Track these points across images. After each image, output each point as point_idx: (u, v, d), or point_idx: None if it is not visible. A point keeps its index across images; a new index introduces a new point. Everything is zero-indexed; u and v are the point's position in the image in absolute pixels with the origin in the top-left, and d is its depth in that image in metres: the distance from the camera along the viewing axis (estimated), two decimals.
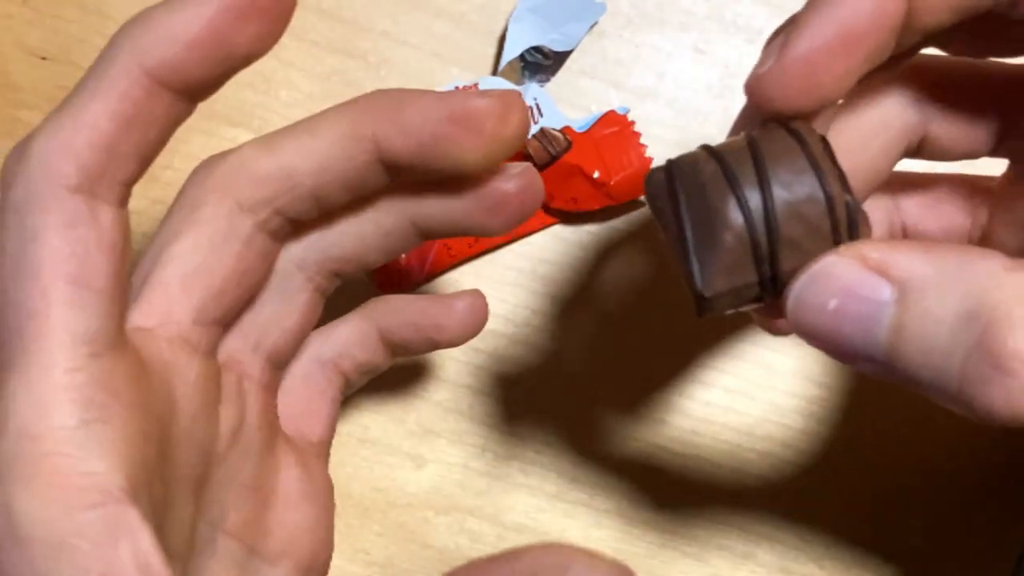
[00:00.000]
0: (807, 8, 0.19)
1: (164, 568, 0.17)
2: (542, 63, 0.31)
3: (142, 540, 0.16)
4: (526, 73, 0.31)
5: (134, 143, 0.18)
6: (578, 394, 0.31)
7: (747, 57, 0.32)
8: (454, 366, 0.31)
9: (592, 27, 0.31)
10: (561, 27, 0.31)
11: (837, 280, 0.17)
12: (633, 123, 0.31)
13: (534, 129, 0.30)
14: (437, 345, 0.26)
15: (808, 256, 0.17)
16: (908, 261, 0.17)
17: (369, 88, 0.31)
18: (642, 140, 0.30)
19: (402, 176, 0.22)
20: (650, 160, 0.31)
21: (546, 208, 0.31)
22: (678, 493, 0.31)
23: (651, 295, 0.31)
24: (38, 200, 0.17)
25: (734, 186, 0.17)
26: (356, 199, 0.22)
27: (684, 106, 0.32)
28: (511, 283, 0.31)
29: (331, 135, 0.21)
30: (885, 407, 0.31)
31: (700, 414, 0.31)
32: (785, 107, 0.19)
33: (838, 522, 0.31)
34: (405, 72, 0.31)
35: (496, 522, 0.31)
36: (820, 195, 0.17)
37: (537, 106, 0.30)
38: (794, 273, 0.17)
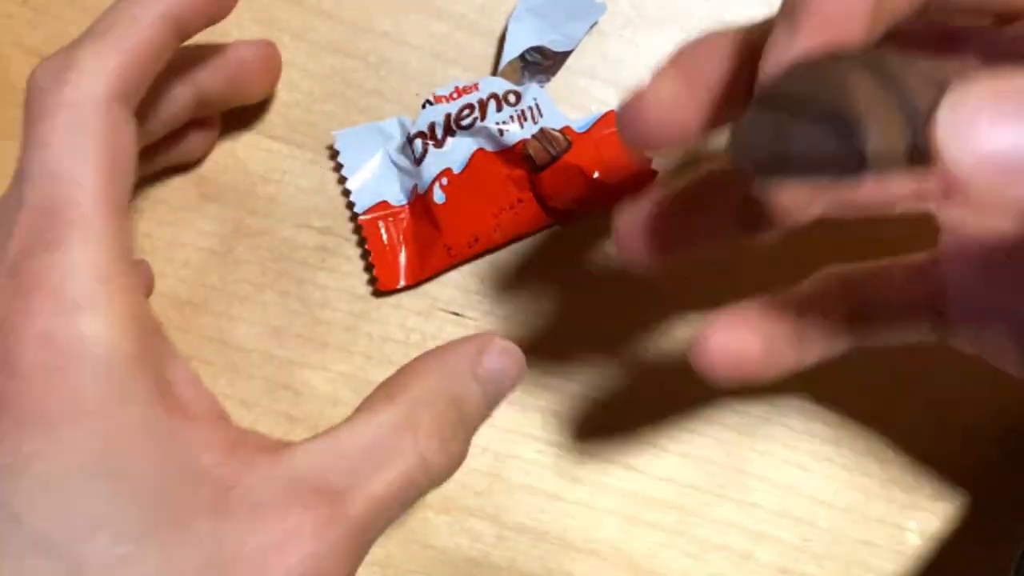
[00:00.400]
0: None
1: (198, 378, 0.22)
2: (542, 63, 0.31)
3: (179, 357, 0.22)
4: (526, 73, 0.31)
5: (153, 70, 0.23)
6: (578, 394, 0.31)
7: None
8: None
9: (592, 27, 0.31)
10: (561, 27, 0.31)
11: (990, 91, 0.15)
12: None
13: (534, 129, 0.30)
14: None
15: (940, 84, 0.16)
16: None
17: (370, 88, 0.31)
18: None
19: (205, 110, 0.29)
20: (650, 160, 0.31)
21: (546, 208, 0.31)
22: (677, 493, 0.31)
23: (651, 295, 0.31)
24: (89, 103, 0.21)
25: (857, 58, 0.17)
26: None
27: None
28: (511, 283, 0.31)
29: (166, 83, 0.27)
30: (885, 407, 0.32)
31: (700, 414, 0.31)
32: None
33: (838, 521, 0.31)
34: (405, 72, 0.32)
35: (496, 522, 0.31)
36: (923, 60, 0.17)
37: (537, 106, 0.30)
38: (932, 108, 0.16)
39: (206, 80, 0.28)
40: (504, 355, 0.24)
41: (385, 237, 0.31)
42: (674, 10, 0.32)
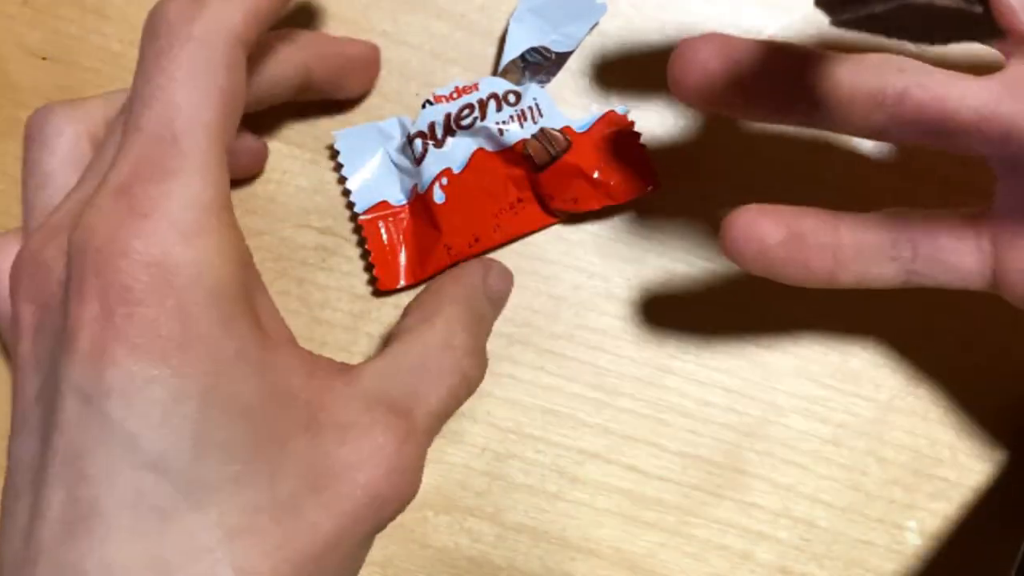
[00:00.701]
0: None
1: (277, 310, 0.24)
2: (543, 64, 0.31)
3: (264, 291, 0.24)
4: (526, 73, 0.31)
5: (270, 22, 0.24)
6: (578, 393, 0.31)
7: None
8: None
9: (593, 27, 0.31)
10: (562, 28, 0.31)
11: None
12: (633, 123, 0.31)
13: (534, 129, 0.30)
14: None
15: None
16: None
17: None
18: (642, 140, 0.30)
19: (302, 95, 0.29)
20: (649, 159, 0.31)
21: (547, 208, 0.31)
22: (677, 493, 0.31)
23: (652, 295, 0.31)
24: (217, 46, 0.22)
25: None
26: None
27: (684, 106, 0.32)
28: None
29: (279, 62, 0.27)
30: (885, 407, 0.32)
31: (700, 414, 0.31)
32: None
33: (837, 521, 0.31)
34: (405, 72, 0.32)
35: (496, 522, 0.31)
36: None
37: (537, 106, 0.30)
38: None
39: (316, 65, 0.28)
40: (502, 276, 0.29)
41: (385, 237, 0.31)
42: (674, 10, 0.32)
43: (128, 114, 0.22)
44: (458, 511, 0.31)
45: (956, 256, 0.25)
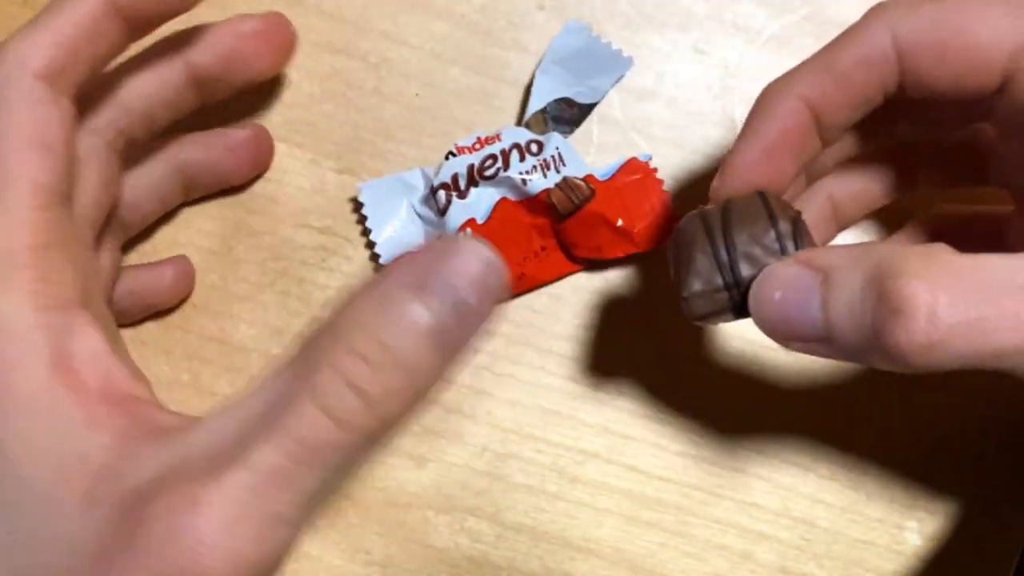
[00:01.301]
0: (741, 132, 0.25)
1: (111, 356, 0.21)
2: (567, 115, 0.31)
3: (92, 336, 0.21)
4: (550, 124, 0.31)
5: (88, 52, 0.23)
6: (578, 394, 0.31)
7: (746, 57, 0.32)
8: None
9: (618, 80, 0.31)
10: (587, 80, 0.31)
11: (779, 277, 0.22)
12: (656, 170, 0.31)
13: (557, 178, 0.30)
14: (151, 308, 0.30)
15: (761, 266, 0.23)
16: (829, 255, 0.22)
17: (370, 88, 0.31)
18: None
19: (210, 94, 0.28)
20: (672, 207, 0.31)
21: (570, 256, 0.31)
22: (677, 493, 0.31)
23: (652, 295, 0.31)
24: (10, 82, 0.22)
25: (706, 228, 0.23)
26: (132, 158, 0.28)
27: (684, 106, 0.32)
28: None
29: (153, 65, 0.27)
30: (885, 408, 0.32)
31: (700, 414, 0.31)
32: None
33: (837, 521, 0.31)
34: (405, 72, 0.32)
35: (496, 522, 0.31)
36: (769, 223, 0.23)
37: (559, 155, 0.30)
38: (752, 281, 0.23)
39: (197, 57, 0.27)
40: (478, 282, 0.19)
41: None
42: (674, 10, 0.32)
43: None
44: (458, 511, 0.31)
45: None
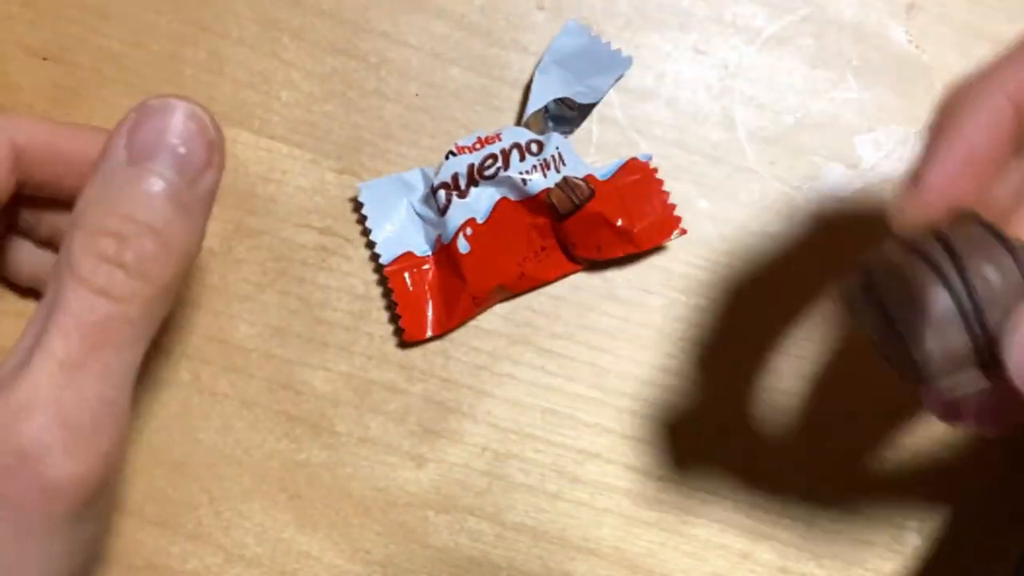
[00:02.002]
0: (932, 139, 0.21)
1: None
2: (566, 115, 0.31)
3: None
4: (550, 124, 0.31)
5: None
6: (578, 394, 0.31)
7: (746, 57, 0.32)
8: (455, 365, 0.31)
9: (617, 80, 0.31)
10: (586, 80, 0.31)
11: None
12: (656, 170, 0.31)
13: (557, 178, 0.30)
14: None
15: (1011, 309, 0.18)
16: None
17: (370, 88, 0.31)
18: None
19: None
20: (673, 207, 0.31)
21: (570, 256, 0.31)
22: (678, 492, 0.31)
23: (652, 295, 0.31)
24: None
25: (932, 265, 0.19)
26: None
27: (684, 106, 0.32)
28: None
29: None
30: (885, 409, 0.32)
31: (700, 414, 0.31)
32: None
33: (837, 521, 0.31)
34: (405, 72, 0.32)
35: (496, 522, 0.31)
36: (1004, 253, 0.19)
37: (560, 155, 0.30)
38: (1001, 329, 0.18)
39: (27, 147, 0.24)
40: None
41: (411, 287, 0.30)
42: (674, 10, 0.32)
43: None
44: (458, 511, 0.31)
45: None
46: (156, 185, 0.20)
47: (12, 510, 0.20)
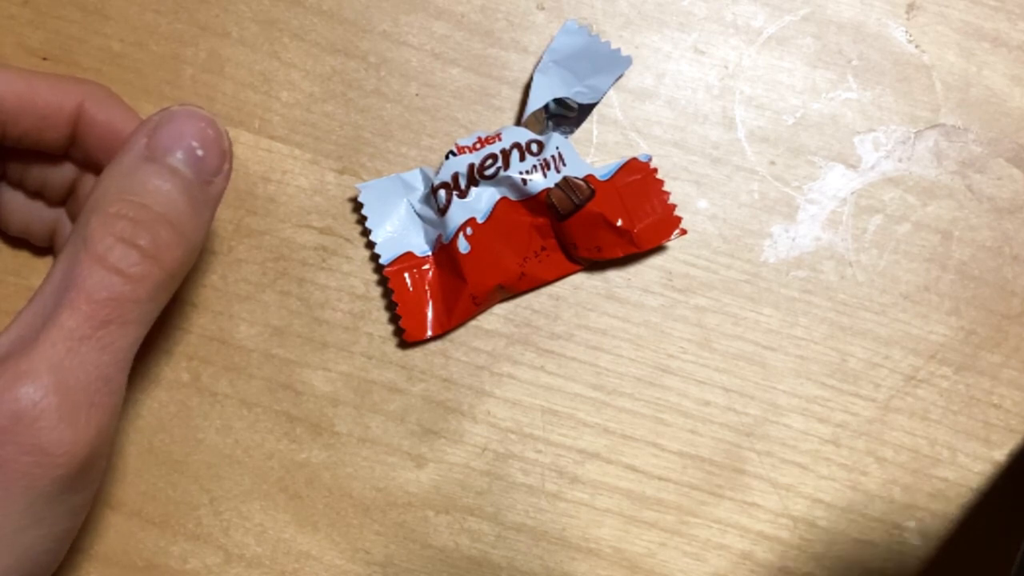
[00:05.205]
0: None
1: None
2: (566, 115, 0.31)
3: None
4: (549, 124, 0.31)
5: None
6: (578, 394, 0.31)
7: (746, 58, 0.32)
8: (455, 365, 0.31)
9: (617, 80, 0.31)
10: (586, 80, 0.31)
11: None
12: (656, 170, 0.31)
13: (557, 178, 0.30)
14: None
15: None
16: None
17: (370, 88, 0.31)
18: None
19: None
20: (673, 207, 0.31)
21: (570, 256, 0.31)
22: (677, 493, 0.31)
23: (652, 296, 0.31)
24: None
25: None
26: None
27: (684, 106, 0.32)
28: None
29: None
30: (886, 407, 0.32)
31: (700, 414, 0.31)
32: None
33: (837, 521, 0.31)
34: (405, 72, 0.32)
35: (496, 522, 0.31)
36: None
37: (560, 155, 0.30)
38: None
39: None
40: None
41: (411, 287, 0.30)
42: (674, 10, 0.32)
43: None
44: (458, 511, 0.31)
45: None
46: (174, 180, 0.22)
47: (1, 471, 0.20)
